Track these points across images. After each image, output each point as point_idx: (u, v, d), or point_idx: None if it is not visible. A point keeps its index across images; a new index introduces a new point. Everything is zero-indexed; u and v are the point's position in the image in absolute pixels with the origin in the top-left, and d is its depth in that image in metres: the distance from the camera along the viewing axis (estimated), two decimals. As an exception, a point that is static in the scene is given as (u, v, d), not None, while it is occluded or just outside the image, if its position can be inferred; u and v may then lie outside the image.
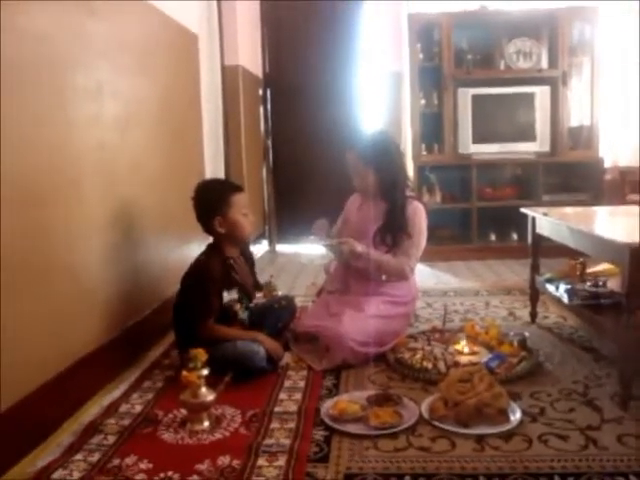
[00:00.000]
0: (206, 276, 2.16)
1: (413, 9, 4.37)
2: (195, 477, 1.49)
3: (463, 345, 2.29)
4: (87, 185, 2.09)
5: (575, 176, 4.28)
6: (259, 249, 4.76)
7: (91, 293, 2.10)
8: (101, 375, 2.11)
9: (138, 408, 1.92)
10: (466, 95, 4.11)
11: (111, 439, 1.71)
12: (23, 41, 1.72)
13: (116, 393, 2.05)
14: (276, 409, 1.88)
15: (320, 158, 4.93)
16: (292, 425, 1.77)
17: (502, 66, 4.18)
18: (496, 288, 3.34)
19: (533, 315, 2.71)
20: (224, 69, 4.08)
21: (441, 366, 2.13)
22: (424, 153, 4.30)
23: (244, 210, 2.26)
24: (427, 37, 4.21)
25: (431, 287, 3.41)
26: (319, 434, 1.71)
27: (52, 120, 1.88)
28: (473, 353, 2.26)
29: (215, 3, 3.90)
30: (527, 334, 2.33)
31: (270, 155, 4.96)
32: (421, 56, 4.21)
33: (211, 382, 1.82)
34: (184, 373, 1.77)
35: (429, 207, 4.04)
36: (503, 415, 1.75)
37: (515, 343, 2.27)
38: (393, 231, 2.44)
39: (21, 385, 1.67)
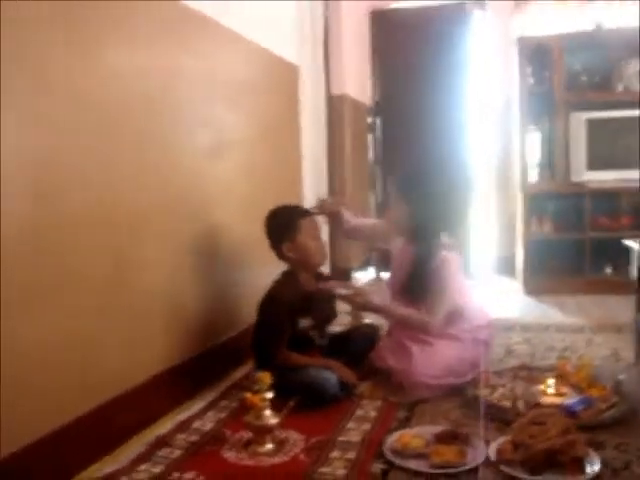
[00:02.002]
0: (277, 302, 2.20)
1: (526, 30, 4.23)
2: (244, 498, 1.53)
3: (550, 385, 2.14)
4: (178, 208, 2.24)
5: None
6: (364, 276, 4.77)
7: (175, 311, 2.22)
8: (180, 392, 2.21)
9: (209, 426, 1.99)
10: (580, 119, 3.88)
11: (177, 453, 1.79)
12: (126, 78, 1.94)
13: (193, 410, 2.13)
14: (340, 438, 1.87)
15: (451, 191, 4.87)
16: (352, 455, 1.75)
17: (620, 88, 3.90)
18: (603, 325, 3.09)
19: (638, 355, 2.47)
20: (329, 99, 4.18)
21: (520, 406, 2.00)
22: (534, 181, 4.11)
23: (313, 234, 2.28)
24: (538, 61, 4.04)
25: (531, 321, 3.22)
26: (378, 467, 1.67)
27: (149, 146, 2.06)
28: (559, 394, 2.10)
29: (321, 33, 4.02)
30: (623, 377, 2.13)
31: (378, 184, 4.98)
32: (531, 80, 4.05)
33: (279, 406, 1.85)
34: (248, 395, 1.82)
35: (539, 235, 3.94)
36: (578, 465, 1.61)
37: (608, 387, 2.09)
38: (418, 283, 2.25)
39: (99, 393, 1.81)
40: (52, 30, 1.64)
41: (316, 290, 2.26)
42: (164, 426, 2.00)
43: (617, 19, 3.96)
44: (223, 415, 2.09)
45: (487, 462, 1.67)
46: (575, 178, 3.95)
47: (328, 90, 4.19)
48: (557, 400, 2.04)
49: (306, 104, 3.74)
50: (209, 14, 2.44)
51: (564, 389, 2.13)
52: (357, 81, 4.66)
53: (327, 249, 2.38)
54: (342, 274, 4.29)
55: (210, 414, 2.10)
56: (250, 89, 2.85)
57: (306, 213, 2.33)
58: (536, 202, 4.12)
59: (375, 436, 1.86)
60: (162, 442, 1.87)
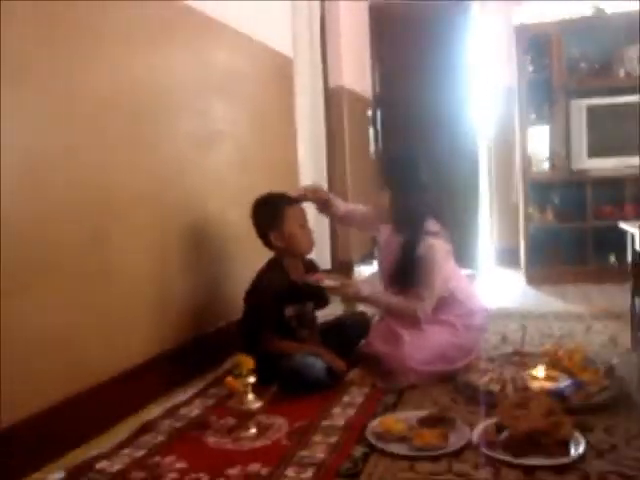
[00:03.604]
0: (262, 289, 2.20)
1: (525, 18, 4.18)
2: (222, 480, 1.52)
3: (540, 370, 2.11)
4: (169, 197, 2.25)
5: None
6: (367, 270, 4.75)
7: (166, 298, 2.23)
8: (170, 379, 2.22)
9: (196, 412, 2.00)
10: (580, 106, 3.83)
11: (160, 438, 1.79)
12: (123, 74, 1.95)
13: (182, 397, 2.14)
14: (324, 422, 1.86)
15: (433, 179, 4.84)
16: (334, 439, 1.74)
17: (622, 73, 3.85)
18: (603, 313, 3.05)
19: (635, 342, 2.43)
20: (327, 91, 4.16)
21: (509, 390, 1.98)
22: (535, 170, 4.07)
23: (300, 222, 2.27)
24: (537, 48, 4.00)
25: (531, 310, 3.19)
26: (360, 451, 1.66)
27: (140, 137, 2.10)
28: (549, 378, 2.07)
29: (318, 26, 4.01)
30: (616, 361, 2.10)
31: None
32: (531, 68, 4.01)
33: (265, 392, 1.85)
34: (229, 379, 1.81)
35: (541, 225, 3.90)
36: (562, 447, 1.58)
37: (601, 371, 2.06)
38: (405, 270, 2.23)
39: (87, 377, 1.83)
40: (40, 27, 1.68)
41: (303, 281, 2.25)
42: (152, 412, 2.01)
43: (616, 4, 3.90)
44: (211, 402, 2.09)
45: (470, 445, 1.65)
46: (576, 166, 3.90)
47: (326, 82, 4.17)
48: (547, 384, 2.01)
49: (303, 96, 3.73)
50: (198, 7, 2.45)
51: (555, 374, 2.10)
52: (356, 73, 4.63)
53: (314, 236, 2.35)
54: (344, 267, 4.28)
55: (198, 401, 2.10)
56: (242, 81, 2.86)
57: (292, 201, 2.31)
58: (538, 191, 4.09)
59: (359, 420, 1.85)
60: (148, 427, 1.87)
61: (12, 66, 1.57)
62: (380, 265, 2.47)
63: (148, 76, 2.16)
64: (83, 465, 1.62)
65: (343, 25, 4.34)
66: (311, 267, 2.43)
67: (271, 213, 2.27)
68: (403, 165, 2.32)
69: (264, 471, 1.55)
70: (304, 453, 1.65)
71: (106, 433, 1.85)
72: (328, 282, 2.25)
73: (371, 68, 4.95)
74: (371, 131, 5.00)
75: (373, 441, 1.69)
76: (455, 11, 4.59)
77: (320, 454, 1.64)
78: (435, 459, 1.59)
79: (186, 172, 2.39)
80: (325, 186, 4.00)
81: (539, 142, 4.09)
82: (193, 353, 2.36)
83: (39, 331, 1.65)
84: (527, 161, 4.04)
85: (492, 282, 4.13)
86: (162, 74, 2.25)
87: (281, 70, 3.27)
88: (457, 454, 1.61)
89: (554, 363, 2.16)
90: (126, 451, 1.71)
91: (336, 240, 4.22)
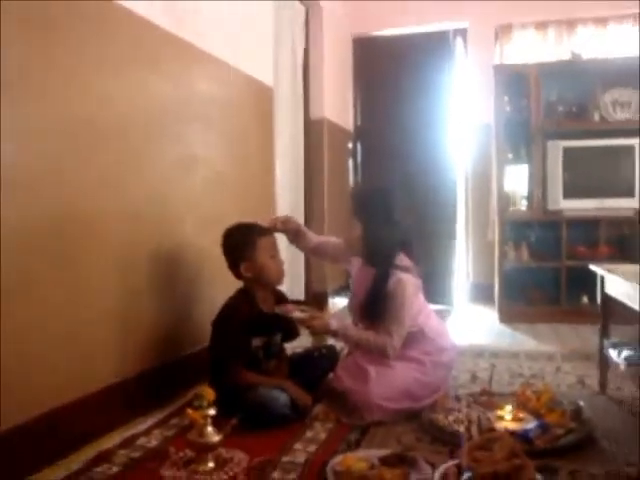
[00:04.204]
0: (231, 320, 2.17)
1: (506, 60, 4.27)
2: (172, 517, 1.47)
3: (507, 411, 2.09)
4: (143, 217, 2.25)
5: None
6: (341, 302, 4.72)
7: (132, 322, 2.20)
8: (132, 407, 2.16)
9: (154, 443, 1.94)
10: (557, 147, 3.89)
11: (115, 469, 1.74)
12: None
13: (142, 427, 2.08)
14: (284, 458, 1.81)
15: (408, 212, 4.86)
16: (294, 476, 1.69)
17: (597, 117, 3.92)
18: (573, 353, 3.05)
19: (602, 384, 2.43)
20: (308, 122, 4.19)
21: (473, 431, 1.96)
22: (511, 209, 4.11)
23: (272, 253, 2.25)
24: (516, 88, 4.07)
25: (503, 348, 3.18)
26: (318, 489, 1.62)
27: (114, 159, 2.11)
28: (517, 419, 2.05)
29: (301, 55, 4.05)
30: (582, 403, 2.09)
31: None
32: (508, 108, 4.07)
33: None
34: (189, 411, 1.76)
35: (516, 263, 3.91)
36: (524, 491, 1.56)
37: (567, 413, 2.04)
38: (375, 304, 2.21)
39: (46, 401, 1.79)
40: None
41: (272, 312, 2.22)
42: (110, 441, 1.95)
43: (593, 50, 4.00)
44: (171, 433, 2.04)
45: (431, 486, 1.62)
46: (552, 206, 3.94)
47: (307, 114, 4.20)
48: (513, 426, 1.99)
49: (283, 126, 3.75)
50: (179, 33, 2.47)
51: (522, 415, 2.08)
52: (338, 106, 4.68)
53: (285, 267, 2.33)
54: (318, 298, 4.25)
55: (157, 432, 2.05)
56: (221, 108, 2.86)
57: (264, 231, 2.29)
58: (513, 230, 4.12)
59: (319, 458, 1.81)
60: (103, 457, 1.82)
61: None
62: (351, 298, 2.45)
63: (128, 100, 2.17)
64: (30, 497, 1.56)
65: (326, 56, 4.39)
66: (281, 298, 2.40)
67: (242, 243, 2.24)
68: (374, 198, 2.32)
69: (218, 508, 1.51)
70: (261, 490, 1.61)
71: (61, 461, 1.79)
72: (297, 314, 2.22)
73: (353, 100, 5.01)
74: (350, 163, 5.04)
75: (331, 479, 1.65)
76: (438, 47, 4.67)
77: (277, 492, 1.60)
78: (395, 500, 1.55)
79: (163, 195, 2.38)
80: (300, 217, 4.01)
81: (517, 181, 4.14)
82: (157, 381, 2.31)
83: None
84: (504, 199, 4.08)
85: (466, 319, 4.12)
86: (143, 98, 2.26)
87: (261, 98, 3.29)
88: (417, 495, 1.58)
89: (522, 404, 2.15)
90: (77, 482, 1.65)
91: (310, 271, 4.20)
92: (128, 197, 2.17)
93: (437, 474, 1.66)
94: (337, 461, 1.73)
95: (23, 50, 1.71)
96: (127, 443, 1.93)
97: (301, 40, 4.05)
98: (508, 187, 4.12)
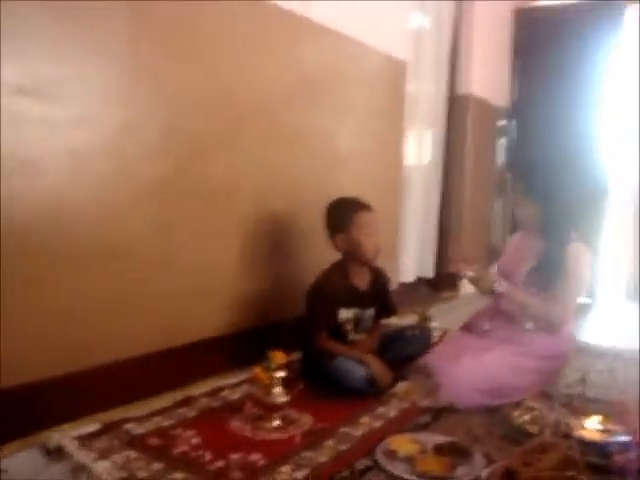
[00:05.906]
0: (320, 290, 2.27)
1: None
2: (220, 462, 1.61)
3: (596, 420, 1.94)
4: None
5: None
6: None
7: (241, 283, 2.46)
8: (225, 360, 2.37)
9: (236, 397, 2.12)
10: None
11: (193, 413, 1.94)
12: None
13: (232, 380, 2.27)
14: (343, 429, 1.88)
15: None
16: (345, 447, 1.75)
17: None
18: None
19: None
20: (451, 98, 4.07)
21: (547, 434, 1.85)
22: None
23: (368, 230, 2.28)
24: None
25: (629, 351, 2.89)
26: (362, 463, 1.66)
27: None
28: (605, 431, 1.89)
29: (448, 28, 3.92)
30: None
31: (509, 191, 4.75)
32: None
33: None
34: (257, 369, 1.90)
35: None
36: (569, 505, 1.47)
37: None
38: (547, 273, 2.18)
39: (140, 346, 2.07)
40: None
41: (366, 287, 2.31)
42: (198, 389, 2.16)
43: None
44: (254, 390, 2.19)
45: (474, 481, 1.58)
46: None
47: (452, 89, 4.08)
48: (595, 436, 1.84)
49: (421, 103, 3.69)
50: (294, 8, 2.57)
51: (612, 427, 1.91)
52: (490, 81, 4.46)
53: (380, 246, 2.36)
54: (448, 279, 4.18)
55: (244, 387, 2.22)
56: (344, 85, 2.91)
57: (362, 207, 2.33)
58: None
59: (378, 434, 1.84)
60: (187, 402, 2.03)
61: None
62: (503, 267, 2.42)
63: (244, 78, 2.36)
64: (113, 423, 1.81)
65: (480, 29, 4.20)
66: (379, 275, 2.44)
67: (340, 216, 2.33)
68: (554, 175, 2.31)
69: (261, 462, 1.62)
70: (307, 454, 1.69)
71: (151, 400, 2.04)
72: (467, 272, 2.30)
73: (510, 76, 4.74)
74: (503, 141, 4.80)
75: (378, 457, 1.68)
76: (607, 20, 4.22)
77: (322, 458, 1.67)
78: (431, 488, 1.55)
79: (281, 168, 2.59)
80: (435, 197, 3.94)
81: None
82: (259, 340, 2.48)
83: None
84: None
85: (613, 316, 3.77)
86: (257, 76, 2.40)
87: (390, 73, 3.25)
88: (456, 488, 1.56)
89: (619, 415, 1.97)
90: (157, 419, 1.87)
91: (443, 250, 4.14)
92: (251, 170, 2.46)
93: (485, 472, 1.62)
94: (389, 440, 1.76)
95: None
96: (213, 392, 2.13)
97: (450, 12, 3.92)
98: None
